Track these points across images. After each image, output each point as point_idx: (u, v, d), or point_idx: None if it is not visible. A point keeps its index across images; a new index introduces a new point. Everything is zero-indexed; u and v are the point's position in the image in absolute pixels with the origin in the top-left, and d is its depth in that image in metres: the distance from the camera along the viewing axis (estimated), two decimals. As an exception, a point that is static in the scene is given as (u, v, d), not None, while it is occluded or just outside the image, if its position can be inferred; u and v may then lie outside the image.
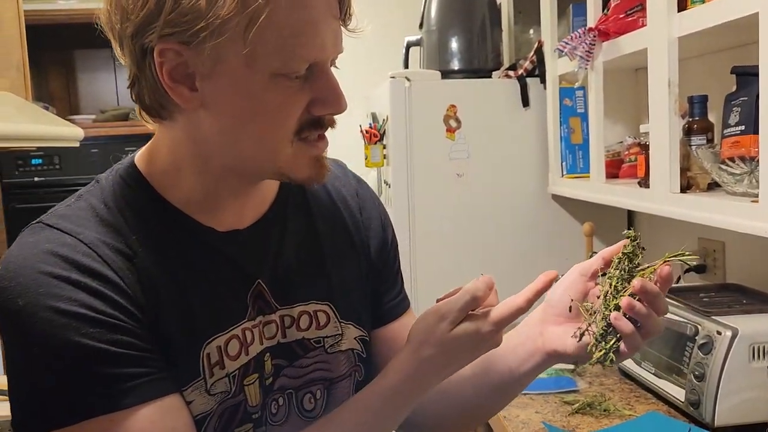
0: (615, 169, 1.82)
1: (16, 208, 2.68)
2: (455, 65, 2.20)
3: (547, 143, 2.07)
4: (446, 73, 2.18)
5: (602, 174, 1.69)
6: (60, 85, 3.17)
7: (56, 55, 3.13)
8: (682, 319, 1.35)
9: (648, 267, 0.75)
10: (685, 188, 1.35)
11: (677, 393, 1.31)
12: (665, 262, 0.75)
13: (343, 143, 3.12)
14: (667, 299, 1.41)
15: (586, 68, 1.65)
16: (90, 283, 0.66)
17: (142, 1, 0.64)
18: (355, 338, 0.86)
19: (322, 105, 0.72)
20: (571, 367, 1.58)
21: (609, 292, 0.75)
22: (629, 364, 1.50)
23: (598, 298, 0.76)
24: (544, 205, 2.13)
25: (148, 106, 0.72)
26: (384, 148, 2.22)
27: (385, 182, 2.29)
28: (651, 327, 0.74)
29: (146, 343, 0.68)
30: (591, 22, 1.65)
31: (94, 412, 0.65)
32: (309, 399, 0.81)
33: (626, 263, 0.76)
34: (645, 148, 1.51)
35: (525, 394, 1.48)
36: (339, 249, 0.86)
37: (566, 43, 1.64)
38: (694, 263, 0.64)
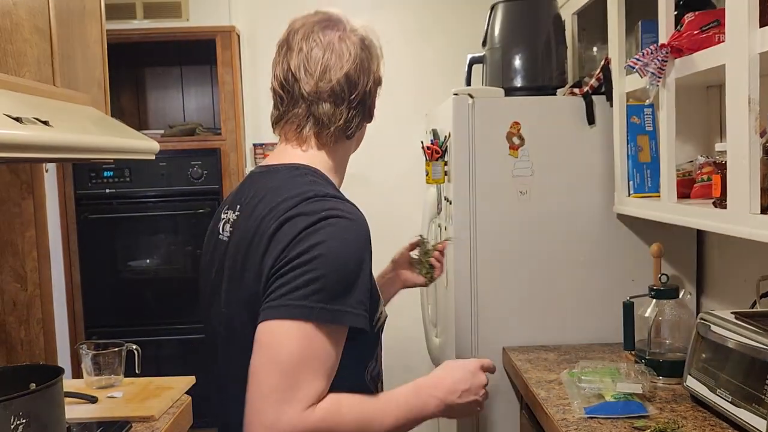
0: (686, 188, 1.76)
1: (88, 218, 2.79)
2: (519, 82, 2.19)
3: (613, 162, 2.03)
4: (509, 91, 2.17)
5: (674, 193, 1.65)
6: (130, 102, 3.30)
7: (127, 72, 3.26)
8: (761, 345, 1.29)
9: (438, 243, 1.59)
10: (765, 209, 1.30)
11: (757, 423, 1.25)
12: (444, 242, 1.60)
13: (404, 160, 3.16)
14: (742, 325, 1.35)
15: (657, 85, 1.62)
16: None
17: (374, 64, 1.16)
18: None
19: None
20: (640, 391, 1.54)
21: (424, 251, 1.57)
22: (703, 390, 1.45)
23: (417, 256, 1.58)
24: (610, 224, 2.09)
25: (342, 134, 1.12)
26: (445, 164, 2.22)
27: (445, 199, 2.29)
28: (440, 270, 1.56)
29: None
30: (663, 39, 1.62)
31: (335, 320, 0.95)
32: None
33: (426, 246, 1.57)
34: (721, 167, 1.47)
35: (593, 417, 1.45)
36: None
37: (638, 60, 1.61)
38: (450, 243, 1.76)
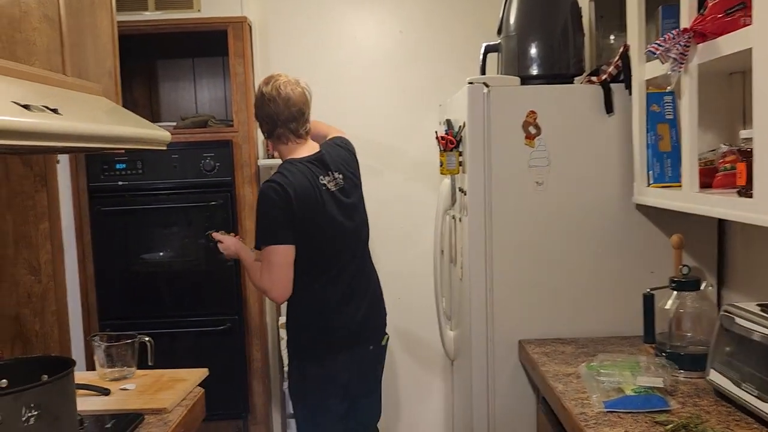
0: (707, 178, 1.72)
1: (101, 210, 2.79)
2: (535, 71, 2.15)
3: (632, 151, 1.99)
4: (525, 79, 2.13)
5: (696, 183, 1.61)
6: (142, 94, 3.29)
7: (140, 64, 3.24)
8: (788, 339, 1.25)
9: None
10: (793, 197, 1.26)
11: (784, 418, 1.21)
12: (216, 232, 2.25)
13: (416, 151, 3.12)
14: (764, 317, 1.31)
15: (679, 71, 1.57)
16: None
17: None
18: None
19: None
20: (661, 385, 1.50)
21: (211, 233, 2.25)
22: (727, 384, 1.41)
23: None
24: (628, 215, 2.05)
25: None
26: (460, 155, 2.19)
27: (459, 190, 2.25)
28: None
29: None
30: (685, 23, 1.57)
31: None
32: None
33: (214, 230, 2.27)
34: (746, 155, 1.42)
35: (613, 412, 1.41)
36: None
37: (659, 45, 1.57)
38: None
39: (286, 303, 2.16)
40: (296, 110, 2.05)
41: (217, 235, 2.22)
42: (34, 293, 2.38)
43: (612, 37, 2.44)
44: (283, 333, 3.00)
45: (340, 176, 2.11)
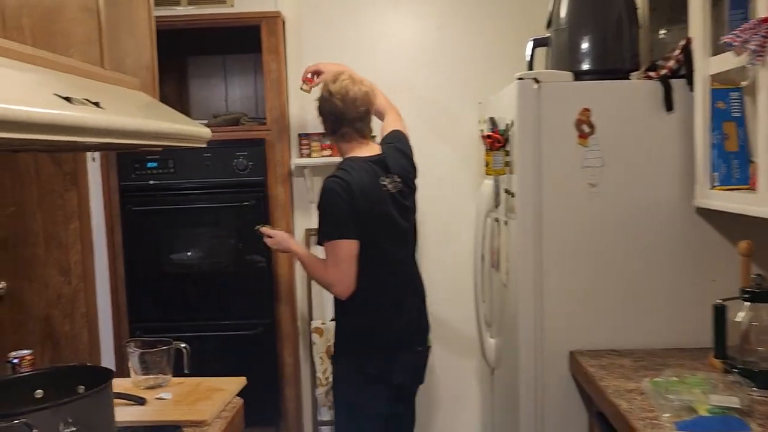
0: (780, 180, 1.60)
1: (132, 209, 2.73)
2: (587, 65, 2.04)
3: (693, 151, 1.87)
4: (578, 74, 2.02)
5: (774, 185, 1.49)
6: (173, 90, 3.23)
7: (170, 60, 3.18)
8: None
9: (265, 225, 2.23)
10: None
11: None
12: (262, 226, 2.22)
13: (453, 150, 3.02)
14: None
15: (758, 64, 1.46)
16: None
17: None
18: None
19: None
20: (738, 405, 1.38)
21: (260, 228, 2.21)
22: (814, 406, 1.29)
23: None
24: (689, 219, 1.93)
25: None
26: (507, 154, 2.09)
27: (506, 191, 2.15)
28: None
29: None
30: (763, 13, 1.45)
31: None
32: None
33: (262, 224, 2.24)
34: (836, 155, 1.30)
35: (689, 434, 1.30)
36: None
37: (737, 36, 1.45)
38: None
39: (333, 303, 2.12)
40: (363, 110, 2.09)
41: (266, 230, 2.17)
42: (64, 294, 2.32)
43: (663, 31, 2.32)
44: (314, 338, 2.91)
45: (399, 180, 2.11)
